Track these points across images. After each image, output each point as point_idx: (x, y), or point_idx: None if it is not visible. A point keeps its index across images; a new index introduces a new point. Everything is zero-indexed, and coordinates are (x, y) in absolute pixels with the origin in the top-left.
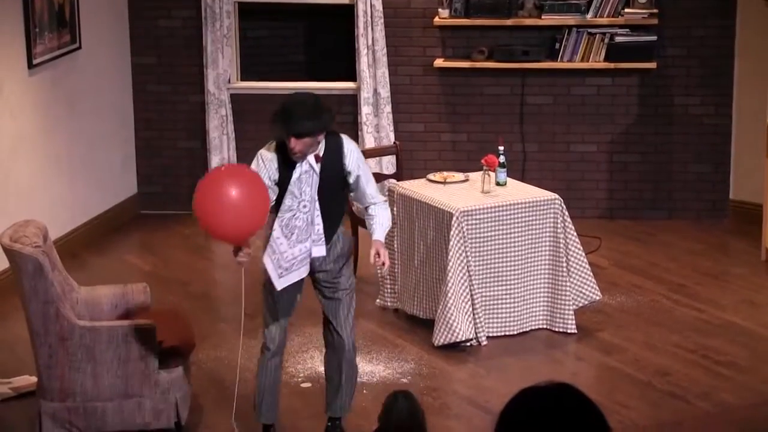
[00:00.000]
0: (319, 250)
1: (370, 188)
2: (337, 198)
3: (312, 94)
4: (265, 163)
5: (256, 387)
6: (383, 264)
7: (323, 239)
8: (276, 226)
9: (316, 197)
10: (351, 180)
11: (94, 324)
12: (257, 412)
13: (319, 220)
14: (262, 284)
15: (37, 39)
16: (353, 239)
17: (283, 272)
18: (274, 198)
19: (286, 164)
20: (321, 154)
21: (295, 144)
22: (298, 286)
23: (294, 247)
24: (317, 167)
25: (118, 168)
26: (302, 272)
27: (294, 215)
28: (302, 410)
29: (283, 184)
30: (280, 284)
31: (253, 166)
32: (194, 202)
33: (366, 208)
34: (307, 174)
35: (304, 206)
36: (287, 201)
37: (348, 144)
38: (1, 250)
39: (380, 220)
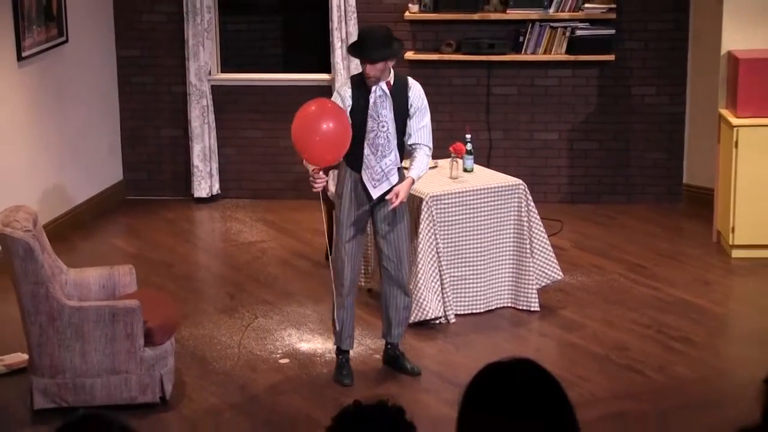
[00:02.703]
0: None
1: (421, 130)
2: (402, 128)
3: (383, 25)
4: (340, 92)
5: (334, 320)
6: (395, 197)
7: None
8: (365, 145)
9: (393, 117)
10: (411, 112)
11: (83, 304)
12: (339, 340)
13: (395, 136)
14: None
15: (25, 33)
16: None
17: (375, 183)
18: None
19: (361, 93)
20: (391, 83)
21: (369, 69)
22: (362, 230)
23: (381, 161)
24: (388, 92)
25: (104, 155)
26: (392, 181)
27: (376, 134)
28: (280, 385)
29: (361, 110)
30: (375, 193)
31: (333, 98)
32: (295, 122)
33: (411, 147)
34: (381, 99)
35: (383, 126)
36: (369, 123)
37: (413, 81)
38: None
39: (418, 162)
